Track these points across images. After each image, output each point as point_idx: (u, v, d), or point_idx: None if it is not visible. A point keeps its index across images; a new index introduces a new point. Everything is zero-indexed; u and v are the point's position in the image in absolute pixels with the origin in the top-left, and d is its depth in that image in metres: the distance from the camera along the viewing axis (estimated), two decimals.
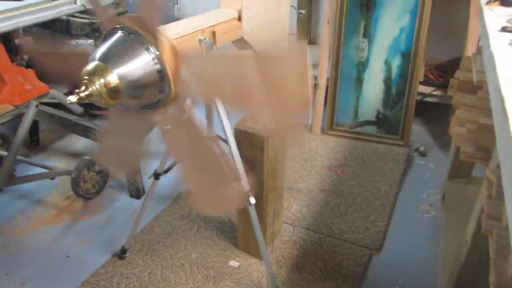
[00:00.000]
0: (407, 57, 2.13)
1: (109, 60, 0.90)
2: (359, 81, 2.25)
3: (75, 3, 1.62)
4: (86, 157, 1.78)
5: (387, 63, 2.17)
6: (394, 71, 2.17)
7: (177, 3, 3.43)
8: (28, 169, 1.91)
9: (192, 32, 1.10)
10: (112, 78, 0.88)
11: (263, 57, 0.93)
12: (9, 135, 2.00)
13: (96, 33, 1.71)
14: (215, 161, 1.00)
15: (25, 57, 1.53)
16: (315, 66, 2.38)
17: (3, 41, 1.46)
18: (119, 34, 0.94)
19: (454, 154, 1.72)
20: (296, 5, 2.85)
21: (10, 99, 1.42)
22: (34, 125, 2.16)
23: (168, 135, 1.04)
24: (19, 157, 1.74)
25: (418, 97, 2.25)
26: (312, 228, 1.68)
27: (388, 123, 2.26)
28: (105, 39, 0.94)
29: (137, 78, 0.92)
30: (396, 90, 2.20)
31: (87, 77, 0.87)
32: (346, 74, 2.27)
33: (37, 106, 1.49)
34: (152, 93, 0.96)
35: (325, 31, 2.29)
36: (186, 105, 1.02)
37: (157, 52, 0.94)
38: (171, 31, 1.03)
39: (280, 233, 1.67)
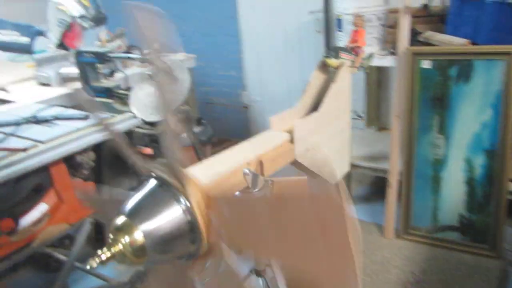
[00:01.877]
0: (492, 155, 1.87)
1: (136, 215, 0.84)
2: (436, 180, 2.02)
3: (135, 117, 1.66)
4: (141, 269, 1.73)
5: (469, 161, 1.92)
6: (478, 170, 1.91)
7: (246, 90, 3.51)
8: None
9: (236, 168, 1.02)
10: (138, 236, 0.81)
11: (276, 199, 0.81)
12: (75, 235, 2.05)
13: (155, 143, 1.73)
14: None
15: (86, 172, 1.57)
16: (386, 159, 2.20)
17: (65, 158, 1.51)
18: (150, 183, 0.88)
19: None
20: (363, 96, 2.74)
21: (66, 218, 1.44)
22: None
23: None
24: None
25: (510, 197, 1.94)
26: None
27: (474, 230, 1.96)
28: (138, 189, 0.89)
29: (165, 233, 0.84)
30: (481, 192, 1.92)
31: (112, 236, 0.81)
32: (421, 172, 2.05)
33: (91, 223, 1.50)
34: (183, 246, 0.87)
35: (395, 126, 2.13)
36: (223, 255, 0.91)
37: (188, 203, 0.86)
38: (211, 171, 0.96)
39: None
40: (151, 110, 1.68)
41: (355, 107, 3.08)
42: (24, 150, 1.22)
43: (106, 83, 1.87)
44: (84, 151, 1.56)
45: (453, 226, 2.01)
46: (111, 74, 2.23)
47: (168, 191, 0.87)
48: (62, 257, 1.77)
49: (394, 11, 2.16)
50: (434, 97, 1.96)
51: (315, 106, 1.39)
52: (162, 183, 0.87)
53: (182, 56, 2.92)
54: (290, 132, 1.23)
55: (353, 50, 1.55)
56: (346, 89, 1.45)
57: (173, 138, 0.88)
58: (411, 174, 2.07)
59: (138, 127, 1.77)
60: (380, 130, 2.84)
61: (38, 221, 1.40)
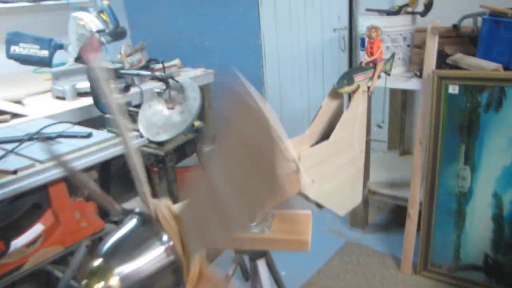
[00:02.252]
0: None
1: (114, 256, 0.77)
2: (460, 215, 1.86)
3: (141, 137, 1.61)
4: None
5: (497, 197, 1.77)
6: (507, 207, 1.75)
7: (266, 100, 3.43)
8: None
9: None
10: (114, 281, 0.74)
11: None
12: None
13: (161, 163, 1.67)
14: None
15: (86, 192, 1.52)
16: (407, 186, 2.06)
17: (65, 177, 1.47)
18: (131, 220, 0.81)
19: None
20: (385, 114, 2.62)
21: (62, 240, 1.39)
22: None
23: None
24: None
25: None
26: None
27: (500, 271, 1.79)
28: (118, 227, 0.82)
29: (145, 276, 0.77)
30: (510, 230, 1.76)
31: (85, 281, 0.74)
32: (444, 205, 1.90)
33: (87, 246, 1.44)
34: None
35: (418, 153, 1.99)
36: None
37: (171, 242, 0.78)
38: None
39: None
40: (157, 130, 1.62)
41: (377, 131, 2.95)
42: (14, 172, 1.18)
43: (117, 99, 1.83)
44: (86, 170, 1.51)
45: (477, 266, 1.85)
46: (127, 89, 2.20)
47: (149, 228, 0.79)
48: (62, 275, 1.72)
49: (422, 31, 2.05)
50: (461, 124, 1.82)
51: (326, 133, 1.30)
52: (144, 220, 0.80)
53: (200, 71, 2.88)
54: (297, 161, 1.14)
55: (371, 63, 1.44)
56: (361, 115, 1.35)
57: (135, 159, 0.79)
58: (433, 206, 1.93)
59: (146, 146, 1.72)
60: (403, 154, 2.70)
61: (32, 242, 1.35)
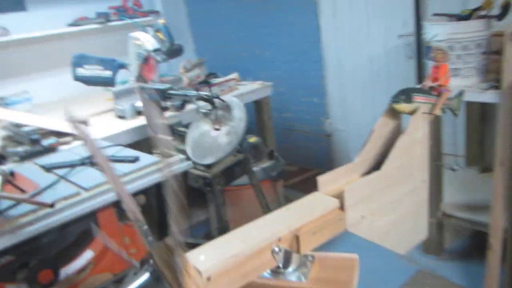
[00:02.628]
0: None
1: None
2: None
3: (188, 159, 1.57)
4: None
5: None
6: None
7: (328, 118, 3.29)
8: None
9: (261, 247, 0.85)
10: None
11: None
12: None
13: (208, 187, 1.62)
14: None
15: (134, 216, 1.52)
16: (488, 209, 1.81)
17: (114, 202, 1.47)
18: (143, 275, 0.76)
19: None
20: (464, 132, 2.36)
21: (111, 267, 1.39)
22: None
23: None
24: None
25: None
26: None
27: None
28: (129, 280, 0.78)
29: None
30: None
31: None
32: None
33: (135, 273, 1.43)
34: None
35: (498, 176, 1.74)
36: None
37: None
38: (223, 253, 0.79)
39: None
40: (204, 152, 1.58)
41: (453, 144, 2.68)
42: (51, 206, 1.19)
43: (168, 119, 1.83)
44: (134, 195, 1.51)
45: None
46: (182, 106, 2.21)
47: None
48: None
49: (499, 35, 1.80)
50: None
51: (380, 160, 1.15)
52: (155, 276, 0.74)
53: (258, 84, 2.83)
54: (341, 195, 1.02)
55: (434, 90, 1.28)
56: (422, 140, 1.19)
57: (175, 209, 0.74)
58: None
59: (194, 167, 1.68)
60: (484, 171, 2.41)
61: (82, 269, 1.36)
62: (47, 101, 2.89)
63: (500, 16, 1.74)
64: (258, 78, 3.64)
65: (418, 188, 1.20)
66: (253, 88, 2.76)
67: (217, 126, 1.59)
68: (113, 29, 3.14)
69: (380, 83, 2.83)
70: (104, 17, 3.09)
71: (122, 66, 2.49)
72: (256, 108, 2.89)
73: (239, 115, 1.55)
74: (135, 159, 1.50)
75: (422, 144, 1.18)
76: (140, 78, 2.49)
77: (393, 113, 1.19)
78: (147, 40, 2.27)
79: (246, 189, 2.30)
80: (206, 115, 1.61)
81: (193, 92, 1.63)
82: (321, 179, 1.04)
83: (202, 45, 4.08)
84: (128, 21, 3.09)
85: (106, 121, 2.36)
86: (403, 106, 1.16)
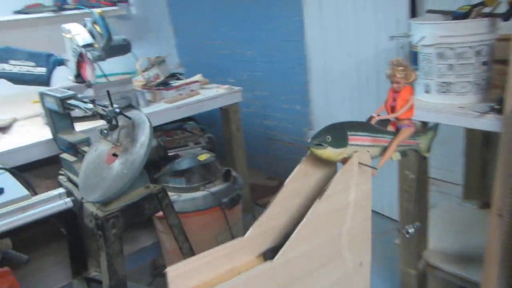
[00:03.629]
0: None
1: None
2: None
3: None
4: None
5: None
6: None
7: (312, 128, 2.87)
8: None
9: None
10: None
11: None
12: None
13: (100, 230, 1.24)
14: None
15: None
16: (482, 263, 1.39)
17: None
18: None
19: None
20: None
21: None
22: None
23: None
24: None
25: None
26: None
27: None
28: None
29: None
30: None
31: None
32: None
33: None
34: None
35: (494, 228, 1.31)
36: None
37: None
38: None
39: None
40: (93, 184, 1.19)
41: (448, 168, 2.24)
42: None
43: (73, 135, 1.45)
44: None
45: None
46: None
47: None
48: None
49: (505, 39, 1.35)
50: None
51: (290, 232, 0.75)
52: None
53: (224, 89, 2.43)
54: None
55: (392, 125, 0.86)
56: (357, 204, 0.77)
57: None
58: None
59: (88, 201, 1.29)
60: (484, 207, 1.96)
61: None
62: None
63: (507, 15, 1.29)
64: (239, 79, 3.25)
65: (352, 275, 0.79)
66: (217, 93, 2.36)
67: (116, 151, 1.20)
68: (68, 19, 2.75)
69: (369, 90, 2.40)
70: (59, 4, 2.72)
71: (61, 62, 2.12)
72: (223, 117, 2.50)
73: (142, 139, 1.15)
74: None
75: (356, 210, 0.77)
76: (79, 77, 2.11)
77: (316, 158, 0.78)
78: (78, 34, 1.89)
79: (192, 216, 1.91)
80: (104, 135, 1.23)
81: (88, 105, 1.24)
82: (173, 273, 0.64)
83: (183, 40, 3.69)
84: (86, 10, 2.71)
85: (32, 128, 2.00)
86: (328, 152, 0.74)
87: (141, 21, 3.41)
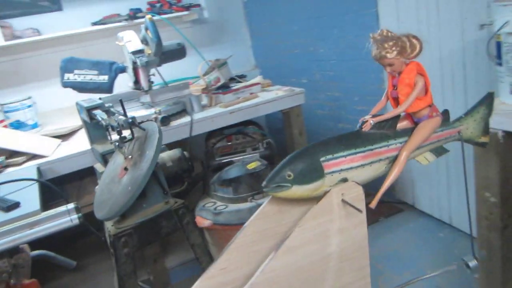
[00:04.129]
0: None
1: None
2: None
3: None
4: None
5: None
6: None
7: None
8: None
9: None
10: None
11: None
12: None
13: (112, 248, 1.17)
14: None
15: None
16: None
17: None
18: None
19: None
20: None
21: None
22: None
23: None
24: None
25: None
26: None
27: None
28: None
29: None
30: None
31: None
32: None
33: None
34: None
35: None
36: None
37: None
38: None
39: None
40: (103, 201, 1.12)
41: None
42: None
43: (103, 146, 1.42)
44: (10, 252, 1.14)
45: None
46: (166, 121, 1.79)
47: None
48: None
49: None
50: None
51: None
52: None
53: (284, 91, 2.26)
54: None
55: (409, 120, 0.64)
56: (341, 256, 0.56)
57: None
58: None
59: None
60: None
61: None
62: (56, 108, 2.67)
63: None
64: (312, 79, 3.05)
65: None
66: (276, 95, 2.21)
67: (127, 165, 1.12)
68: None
69: (454, 89, 2.03)
70: (132, 14, 2.81)
71: (122, 70, 2.16)
72: (284, 120, 2.33)
73: (148, 153, 1.05)
74: (12, 206, 1.12)
75: (347, 264, 0.56)
76: (137, 83, 2.13)
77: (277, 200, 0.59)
78: (129, 41, 1.89)
79: (236, 230, 1.78)
80: (119, 147, 1.16)
81: (103, 115, 1.18)
82: None
83: (259, 42, 3.60)
84: (157, 17, 2.75)
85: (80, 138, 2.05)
86: (294, 192, 0.55)
87: (215, 25, 3.39)
